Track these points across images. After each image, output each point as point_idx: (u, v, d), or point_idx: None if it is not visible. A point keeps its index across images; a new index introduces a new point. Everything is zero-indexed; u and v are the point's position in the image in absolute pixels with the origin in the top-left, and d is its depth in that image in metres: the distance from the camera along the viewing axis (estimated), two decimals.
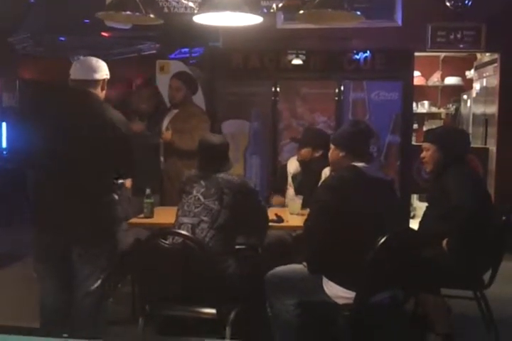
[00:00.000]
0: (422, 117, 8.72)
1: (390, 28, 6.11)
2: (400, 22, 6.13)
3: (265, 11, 3.45)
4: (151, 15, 3.63)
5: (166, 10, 3.86)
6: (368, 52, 5.75)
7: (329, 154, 3.41)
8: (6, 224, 7.49)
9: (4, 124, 10.95)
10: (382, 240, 2.90)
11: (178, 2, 3.79)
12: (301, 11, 3.48)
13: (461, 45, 6.13)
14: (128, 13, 3.54)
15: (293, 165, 4.65)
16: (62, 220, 3.12)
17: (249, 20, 3.62)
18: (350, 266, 3.00)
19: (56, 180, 3.16)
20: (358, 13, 3.48)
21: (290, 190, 4.58)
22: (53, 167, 3.17)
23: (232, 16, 3.54)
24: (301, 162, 4.50)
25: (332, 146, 3.36)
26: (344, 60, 5.74)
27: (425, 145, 3.83)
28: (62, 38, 10.02)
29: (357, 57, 5.74)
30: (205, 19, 3.62)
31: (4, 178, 7.80)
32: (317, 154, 4.35)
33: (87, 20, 8.59)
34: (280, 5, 3.48)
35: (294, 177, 4.59)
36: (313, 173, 4.22)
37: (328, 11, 3.46)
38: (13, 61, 10.28)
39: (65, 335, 1.58)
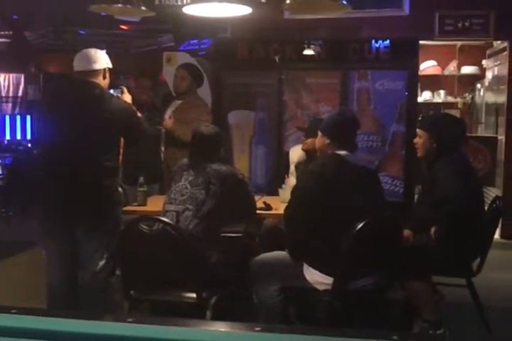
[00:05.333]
0: (439, 106, 8.65)
1: (397, 17, 6.10)
2: (407, 10, 6.11)
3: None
4: (143, 8, 3.73)
5: (157, 2, 3.93)
6: (374, 41, 5.71)
7: (316, 141, 3.46)
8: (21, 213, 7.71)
9: (29, 117, 11.21)
10: (359, 226, 2.94)
11: None
12: (288, 1, 3.54)
13: (470, 34, 6.08)
14: (119, 5, 3.66)
15: (296, 154, 4.69)
16: (68, 200, 3.38)
17: (238, 10, 3.68)
18: (328, 253, 3.05)
19: (63, 164, 3.41)
20: (345, 2, 3.51)
21: (291, 179, 4.62)
22: (60, 152, 3.43)
23: (221, 7, 3.60)
24: (307, 151, 4.53)
25: (319, 133, 3.41)
26: (349, 49, 5.72)
27: (419, 131, 3.83)
28: (82, 32, 10.22)
29: (362, 46, 5.71)
30: (194, 10, 3.69)
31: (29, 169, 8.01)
32: None
33: (104, 13, 8.74)
34: None
35: (297, 166, 4.63)
36: None
37: (314, 0, 3.50)
38: (35, 55, 10.50)
39: (13, 311, 1.66)
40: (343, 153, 3.24)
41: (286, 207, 3.21)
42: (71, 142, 3.40)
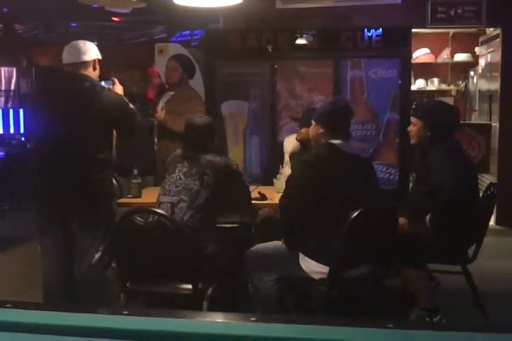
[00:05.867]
0: (432, 94, 8.64)
1: (390, 5, 6.08)
2: None
3: None
4: None
5: None
6: (366, 30, 5.69)
7: (310, 130, 3.45)
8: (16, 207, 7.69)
9: (22, 111, 11.14)
10: (354, 215, 2.94)
11: None
12: None
13: (462, 21, 6.06)
14: None
15: (291, 144, 4.68)
16: (62, 193, 3.35)
17: (229, 0, 3.66)
18: (324, 242, 3.05)
19: (56, 157, 3.39)
20: None
21: (285, 169, 4.62)
22: (52, 145, 3.41)
23: None
24: (301, 141, 4.52)
25: (313, 123, 3.40)
26: (342, 38, 5.70)
27: (413, 119, 3.82)
28: (74, 24, 10.14)
29: (354, 35, 5.69)
30: (186, 0, 3.67)
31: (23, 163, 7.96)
32: None
33: (96, 5, 8.67)
34: None
35: (291, 155, 4.62)
36: None
37: None
38: (26, 48, 10.41)
39: (8, 305, 1.66)
40: (337, 142, 3.24)
41: (281, 197, 3.20)
42: (63, 135, 3.38)
